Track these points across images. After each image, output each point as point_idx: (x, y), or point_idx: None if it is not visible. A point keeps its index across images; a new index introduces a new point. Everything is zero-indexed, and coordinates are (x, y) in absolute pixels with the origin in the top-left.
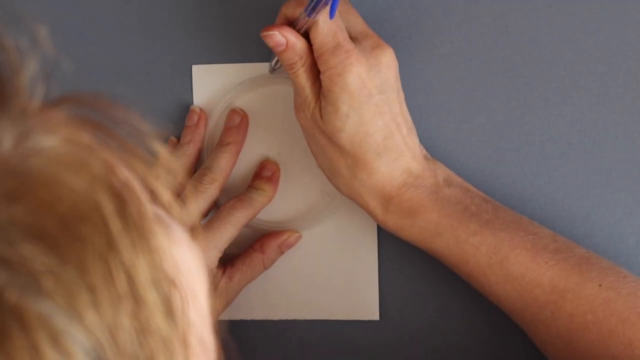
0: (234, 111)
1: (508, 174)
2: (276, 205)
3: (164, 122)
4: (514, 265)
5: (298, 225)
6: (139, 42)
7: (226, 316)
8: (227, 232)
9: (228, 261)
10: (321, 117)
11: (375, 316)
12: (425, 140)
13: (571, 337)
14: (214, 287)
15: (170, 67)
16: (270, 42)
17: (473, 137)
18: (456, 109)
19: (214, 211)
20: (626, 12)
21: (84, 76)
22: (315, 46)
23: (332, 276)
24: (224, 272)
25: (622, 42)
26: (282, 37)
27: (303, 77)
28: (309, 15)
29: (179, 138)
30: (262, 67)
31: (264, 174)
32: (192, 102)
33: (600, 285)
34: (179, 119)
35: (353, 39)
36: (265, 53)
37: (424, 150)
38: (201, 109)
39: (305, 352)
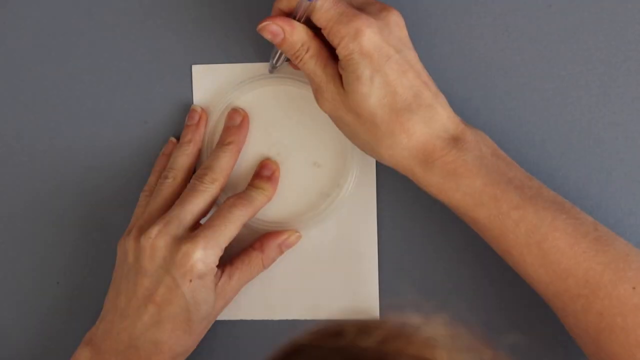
0: (234, 111)
1: None
2: (275, 205)
3: (164, 122)
4: (551, 249)
5: (297, 225)
6: (139, 42)
7: (226, 316)
8: (228, 230)
9: (227, 260)
10: (343, 92)
11: (375, 316)
12: None
13: (599, 336)
14: (214, 286)
15: (170, 67)
16: (267, 34)
17: None
18: (456, 109)
19: (214, 209)
20: (626, 12)
21: (84, 76)
22: (322, 24)
23: (332, 276)
24: (223, 271)
25: (622, 42)
26: (278, 27)
27: (311, 63)
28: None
29: (178, 138)
30: (262, 67)
31: (263, 173)
32: (192, 102)
33: (634, 289)
34: (179, 119)
35: (357, 8)
36: (265, 53)
37: (458, 117)
38: (202, 109)
39: None
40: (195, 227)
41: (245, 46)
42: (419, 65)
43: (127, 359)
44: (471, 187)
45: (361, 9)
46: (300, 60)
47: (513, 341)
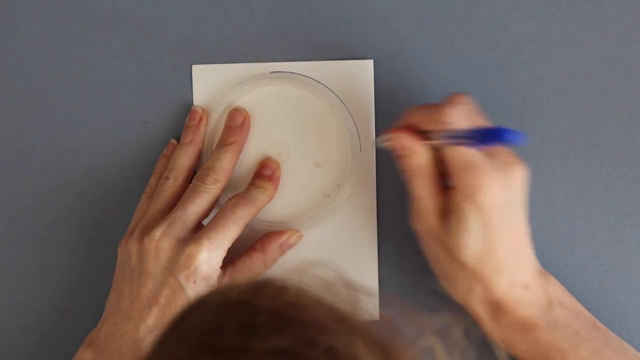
0: (236, 110)
1: None
2: (276, 205)
3: (164, 122)
4: None
5: (298, 225)
6: (139, 42)
7: None
8: (231, 231)
9: (229, 261)
10: (442, 228)
11: (375, 316)
12: None
13: None
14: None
15: (170, 67)
16: (397, 145)
17: None
18: None
19: (216, 210)
20: (626, 12)
21: (84, 76)
22: (449, 160)
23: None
24: (225, 272)
25: (622, 42)
26: (406, 144)
27: (422, 187)
28: (450, 140)
29: (178, 139)
30: (263, 67)
31: (264, 173)
32: (192, 102)
33: None
34: (179, 118)
35: (487, 152)
36: (265, 53)
37: (538, 264)
38: (203, 110)
39: None
40: (198, 228)
41: (245, 46)
42: (524, 225)
43: None
44: (538, 340)
45: (491, 154)
46: (414, 179)
47: None
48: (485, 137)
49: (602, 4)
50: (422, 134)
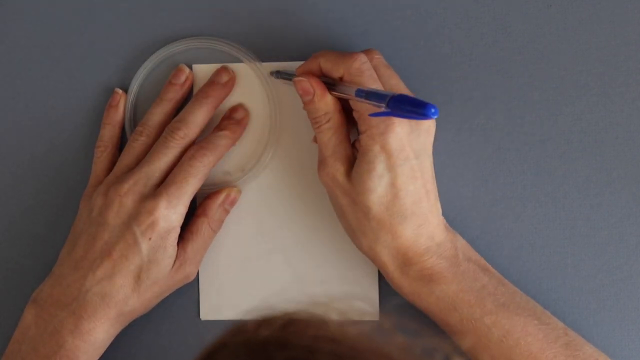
0: (224, 69)
1: (508, 174)
2: (214, 170)
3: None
4: (522, 354)
5: (238, 182)
6: (139, 42)
7: (225, 316)
8: (190, 185)
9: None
10: (347, 175)
11: (375, 316)
12: None
13: None
14: (173, 249)
15: (170, 67)
16: (299, 89)
17: (473, 137)
18: (456, 109)
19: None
20: (626, 12)
21: (84, 77)
22: (356, 108)
23: (332, 276)
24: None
25: (622, 42)
26: (311, 87)
27: (327, 135)
28: (358, 97)
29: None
30: (262, 67)
31: (235, 116)
32: None
33: None
34: None
35: None
36: (264, 53)
37: (444, 220)
38: (190, 71)
39: None
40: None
41: (245, 46)
42: (429, 174)
43: (72, 312)
44: (445, 292)
45: None
46: (319, 127)
47: None
48: (396, 104)
49: (602, 4)
50: (330, 82)
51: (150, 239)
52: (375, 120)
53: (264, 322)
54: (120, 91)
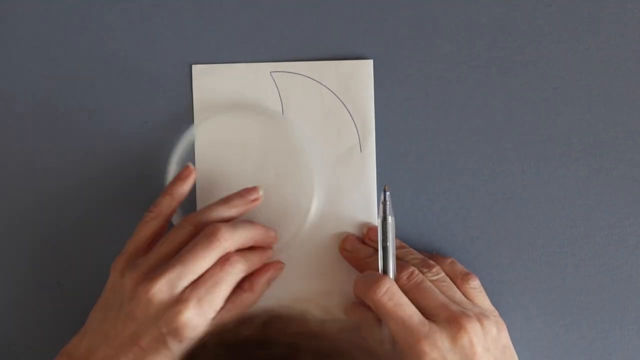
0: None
1: (508, 174)
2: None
3: (164, 122)
4: None
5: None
6: (139, 42)
7: None
8: (222, 290)
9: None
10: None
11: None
12: (425, 140)
13: None
14: None
15: (170, 67)
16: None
17: (473, 137)
18: (456, 109)
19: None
20: (626, 12)
21: (84, 76)
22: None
23: (332, 277)
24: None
25: (622, 42)
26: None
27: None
28: None
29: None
30: (263, 67)
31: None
32: (192, 102)
33: None
34: (179, 119)
35: (428, 314)
36: (265, 53)
37: None
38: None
39: None
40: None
41: (245, 46)
42: None
43: None
44: None
45: (433, 315)
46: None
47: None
48: None
49: (602, 4)
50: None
51: (180, 342)
52: (405, 341)
53: (244, 321)
54: (192, 167)
